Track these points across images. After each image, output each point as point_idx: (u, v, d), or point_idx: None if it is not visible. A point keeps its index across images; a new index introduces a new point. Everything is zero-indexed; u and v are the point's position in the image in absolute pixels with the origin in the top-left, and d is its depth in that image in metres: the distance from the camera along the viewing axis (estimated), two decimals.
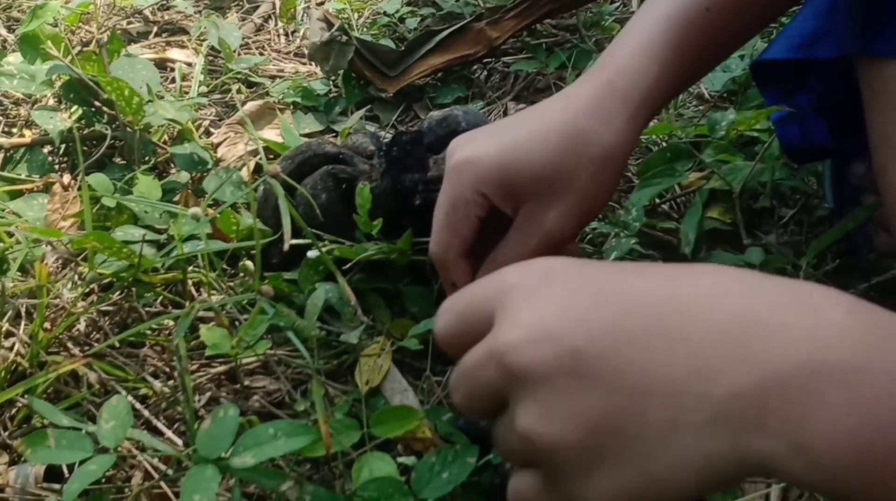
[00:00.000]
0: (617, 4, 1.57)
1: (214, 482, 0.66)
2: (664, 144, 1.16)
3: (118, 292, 0.93)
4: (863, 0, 0.79)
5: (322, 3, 1.68)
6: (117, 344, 0.88)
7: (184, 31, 1.63)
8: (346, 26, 1.36)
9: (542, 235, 0.74)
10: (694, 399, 0.42)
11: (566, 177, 0.73)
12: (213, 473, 0.67)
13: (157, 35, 1.63)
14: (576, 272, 0.49)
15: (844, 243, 0.99)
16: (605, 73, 0.77)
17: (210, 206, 1.06)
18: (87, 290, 0.94)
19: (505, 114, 1.32)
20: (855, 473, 0.39)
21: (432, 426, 0.80)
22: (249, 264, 0.90)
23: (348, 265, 0.91)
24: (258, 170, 1.14)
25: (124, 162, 1.19)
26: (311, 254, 0.89)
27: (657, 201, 1.10)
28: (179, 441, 0.81)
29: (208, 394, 0.87)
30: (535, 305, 0.48)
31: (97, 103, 1.18)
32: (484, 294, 0.51)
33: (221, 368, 0.90)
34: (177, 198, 1.08)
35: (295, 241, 0.85)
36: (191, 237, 0.93)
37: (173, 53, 1.52)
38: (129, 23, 1.65)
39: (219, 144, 1.19)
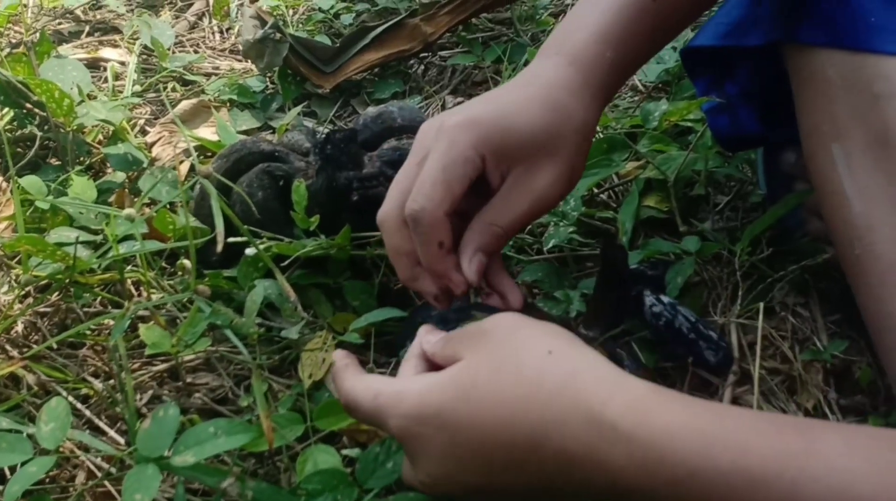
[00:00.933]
0: (552, 0, 1.60)
1: (155, 480, 0.67)
2: (601, 135, 1.17)
3: (56, 294, 0.92)
4: None
5: (255, 1, 1.68)
6: (55, 345, 0.88)
7: (116, 31, 1.62)
8: (281, 23, 1.36)
9: (535, 197, 0.78)
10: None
11: (556, 142, 0.77)
12: (154, 472, 0.68)
13: (88, 35, 1.62)
14: (442, 425, 0.62)
15: (778, 228, 1.01)
16: (565, 57, 0.81)
17: (147, 205, 1.06)
18: (24, 292, 0.93)
19: (443, 108, 1.33)
20: None
21: None
22: (187, 262, 0.90)
23: (287, 262, 0.92)
24: (194, 169, 1.14)
25: (59, 163, 1.18)
26: (249, 252, 0.90)
27: (595, 190, 1.12)
28: (122, 440, 0.81)
29: (150, 392, 0.87)
30: (430, 455, 0.63)
31: (28, 105, 1.17)
32: (382, 428, 0.67)
33: (163, 366, 0.90)
34: (112, 198, 1.08)
35: (232, 240, 0.86)
36: (127, 238, 0.93)
37: (106, 53, 1.51)
38: (59, 23, 1.64)
39: (153, 144, 1.19)
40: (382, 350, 0.91)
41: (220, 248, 0.69)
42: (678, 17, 0.87)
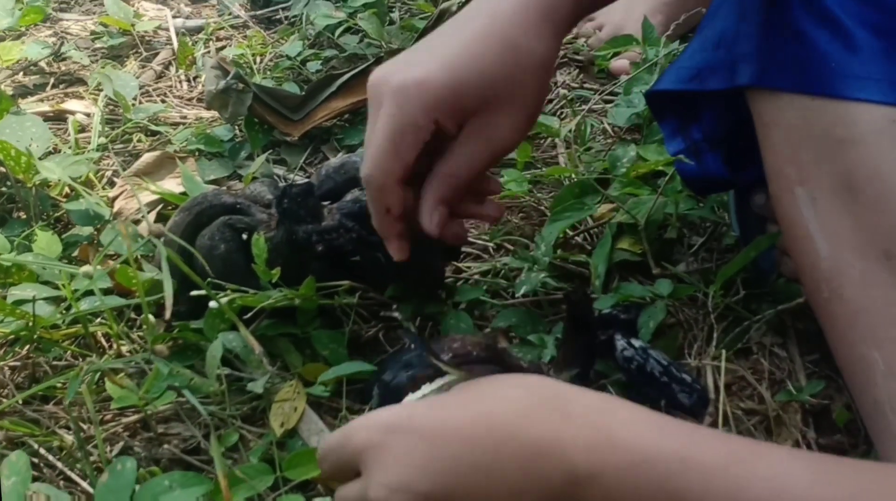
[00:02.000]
0: None
1: None
2: (573, 179, 1.20)
3: (25, 348, 0.94)
4: (749, 34, 0.85)
5: (222, 48, 1.71)
6: (20, 402, 0.89)
7: (81, 82, 1.65)
8: (247, 71, 1.39)
9: (494, 146, 0.80)
10: None
11: (511, 89, 0.78)
12: None
13: (53, 87, 1.64)
14: (411, 429, 0.64)
15: (752, 270, 1.04)
16: None
17: (112, 258, 1.08)
18: None
19: None
20: None
21: None
22: (152, 318, 0.92)
23: (252, 313, 0.94)
24: (159, 220, 1.16)
25: (25, 217, 1.20)
26: (213, 304, 0.92)
27: (570, 233, 1.15)
28: (92, 490, 0.82)
29: (121, 443, 0.89)
30: (389, 465, 0.63)
31: None
32: (346, 453, 0.67)
33: (135, 417, 0.92)
34: (77, 252, 1.10)
35: (196, 292, 0.88)
36: (89, 293, 0.95)
37: (71, 105, 1.54)
38: (23, 75, 1.66)
39: (115, 198, 1.21)
40: (356, 398, 0.93)
41: (168, 315, 0.71)
42: None
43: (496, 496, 0.61)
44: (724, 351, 0.95)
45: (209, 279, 0.91)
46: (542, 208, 1.23)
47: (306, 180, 1.03)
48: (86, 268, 0.83)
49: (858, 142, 0.76)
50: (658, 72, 1.38)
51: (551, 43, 0.80)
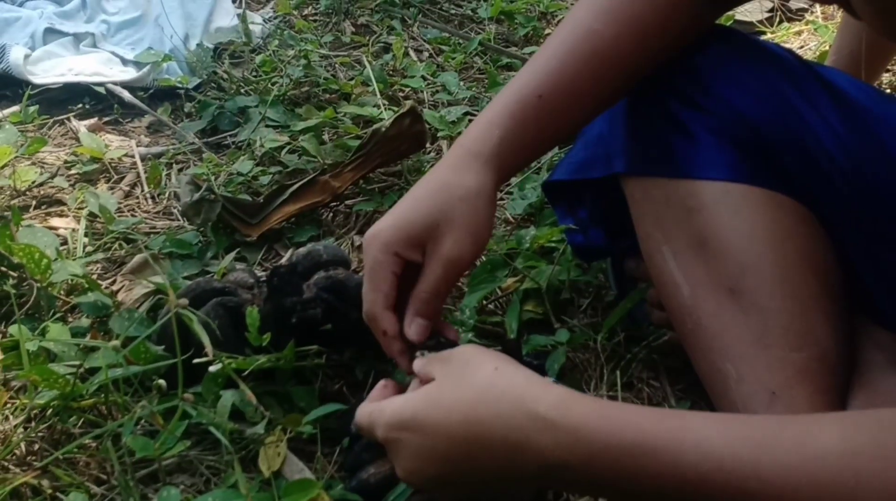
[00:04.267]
0: (433, 155, 1.77)
1: None
2: (483, 259, 1.33)
3: (54, 417, 1.01)
4: (618, 136, 1.00)
5: (182, 170, 1.81)
6: (61, 457, 0.97)
7: (61, 202, 1.72)
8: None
9: (444, 262, 0.89)
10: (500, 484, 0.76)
11: (448, 217, 0.89)
12: None
13: (36, 208, 1.71)
14: (416, 428, 0.77)
15: (629, 320, 1.18)
16: (461, 141, 0.94)
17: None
18: (26, 417, 1.02)
19: (352, 246, 1.48)
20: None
21: (328, 493, 0.93)
22: (162, 382, 1.00)
23: (244, 375, 1.03)
24: (151, 309, 1.25)
25: (26, 316, 1.27)
26: (213, 368, 1.01)
27: (485, 302, 1.27)
28: None
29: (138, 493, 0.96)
30: (404, 456, 0.78)
31: (3, 268, 1.27)
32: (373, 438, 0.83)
33: (143, 472, 0.99)
34: (87, 338, 1.18)
35: (197, 360, 0.98)
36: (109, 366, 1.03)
37: (55, 222, 1.61)
38: (11, 202, 1.73)
39: (117, 291, 1.30)
40: (327, 442, 1.02)
41: (210, 355, 0.81)
42: (563, 114, 0.95)
43: (487, 474, 0.74)
44: (619, 381, 1.08)
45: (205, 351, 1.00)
46: (460, 284, 1.35)
47: (291, 263, 1.14)
48: (114, 342, 0.91)
49: (703, 209, 0.92)
50: (543, 172, 1.54)
51: (482, 174, 0.91)
